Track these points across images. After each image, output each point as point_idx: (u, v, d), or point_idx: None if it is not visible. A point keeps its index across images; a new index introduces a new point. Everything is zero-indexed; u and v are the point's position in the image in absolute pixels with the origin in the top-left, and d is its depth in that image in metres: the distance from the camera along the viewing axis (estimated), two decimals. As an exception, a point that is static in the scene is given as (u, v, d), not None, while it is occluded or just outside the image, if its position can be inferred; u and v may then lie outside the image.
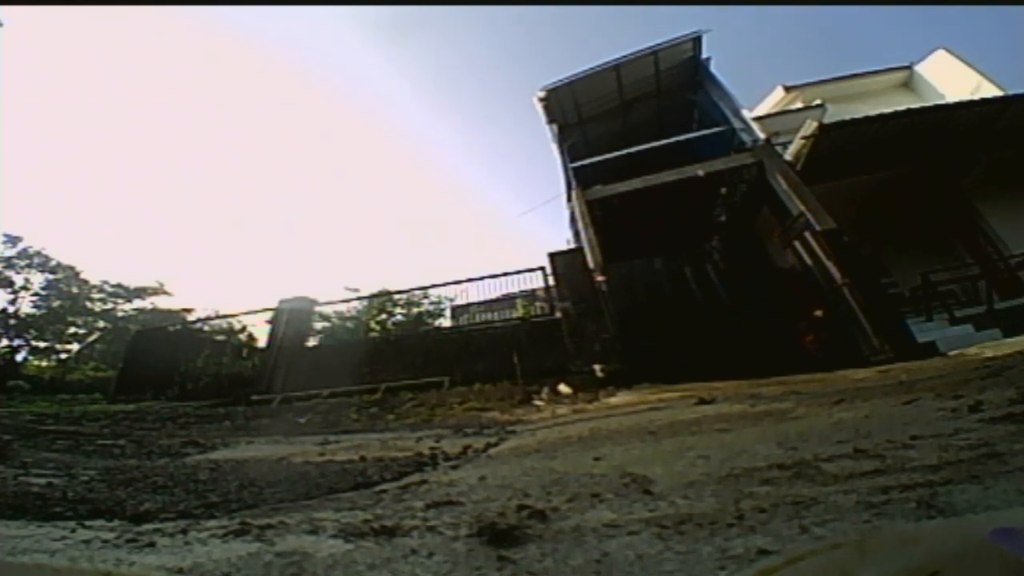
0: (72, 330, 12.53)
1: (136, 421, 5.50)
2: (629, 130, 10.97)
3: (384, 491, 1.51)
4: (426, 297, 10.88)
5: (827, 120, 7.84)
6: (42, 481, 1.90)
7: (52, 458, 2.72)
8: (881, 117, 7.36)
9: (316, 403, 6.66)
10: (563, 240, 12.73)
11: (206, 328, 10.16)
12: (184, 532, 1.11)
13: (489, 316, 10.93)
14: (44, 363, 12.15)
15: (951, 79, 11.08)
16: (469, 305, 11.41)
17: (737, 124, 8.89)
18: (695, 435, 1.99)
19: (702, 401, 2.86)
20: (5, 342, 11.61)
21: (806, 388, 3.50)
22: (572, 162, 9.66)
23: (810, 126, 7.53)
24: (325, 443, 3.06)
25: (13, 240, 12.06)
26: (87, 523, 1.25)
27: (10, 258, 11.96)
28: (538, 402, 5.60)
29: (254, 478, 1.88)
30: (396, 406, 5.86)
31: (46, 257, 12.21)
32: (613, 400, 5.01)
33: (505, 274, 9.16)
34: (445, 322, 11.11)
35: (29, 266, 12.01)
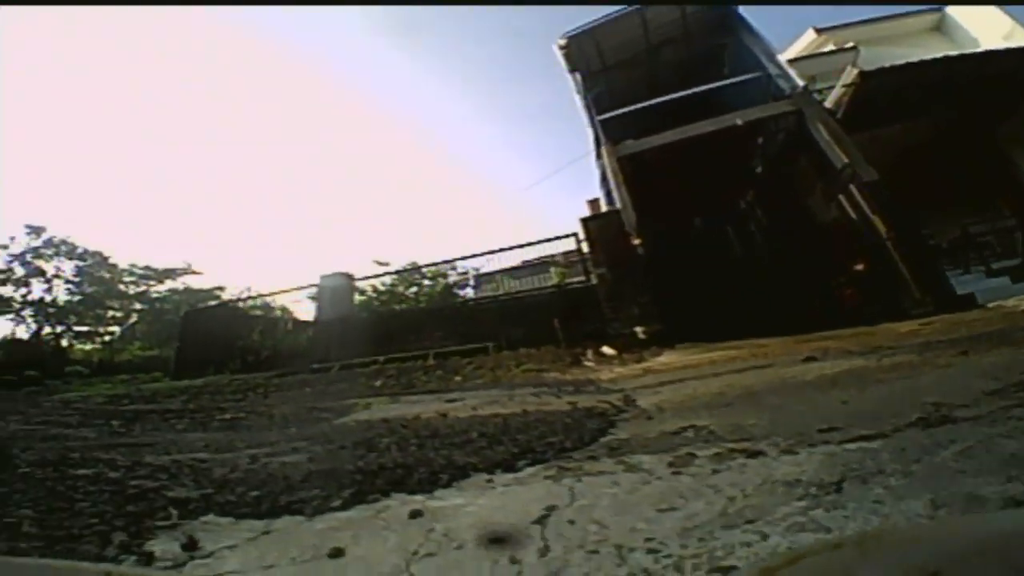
0: (110, 313, 12.80)
1: (215, 394, 5.59)
2: (656, 78, 10.33)
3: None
4: (453, 268, 11.06)
5: (860, 64, 7.62)
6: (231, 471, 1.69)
7: (197, 438, 2.64)
8: (922, 64, 7.19)
9: (376, 369, 6.96)
10: (582, 211, 12.37)
11: (251, 306, 10.49)
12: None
13: (516, 284, 11.10)
14: (89, 346, 12.49)
15: (983, 23, 10.72)
16: (494, 274, 11.54)
17: (773, 70, 8.38)
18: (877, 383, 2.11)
19: (810, 359, 3.06)
20: (48, 329, 11.87)
21: (887, 341, 3.67)
22: (598, 115, 9.26)
23: (851, 73, 7.36)
24: (450, 402, 3.31)
25: (36, 231, 12.05)
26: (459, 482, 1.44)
27: (37, 248, 11.98)
28: (587, 363, 5.85)
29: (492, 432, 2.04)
30: (457, 370, 6.11)
31: (72, 245, 12.26)
32: (663, 359, 5.17)
33: (537, 242, 9.11)
34: (469, 292, 11.34)
35: (57, 254, 12.10)
